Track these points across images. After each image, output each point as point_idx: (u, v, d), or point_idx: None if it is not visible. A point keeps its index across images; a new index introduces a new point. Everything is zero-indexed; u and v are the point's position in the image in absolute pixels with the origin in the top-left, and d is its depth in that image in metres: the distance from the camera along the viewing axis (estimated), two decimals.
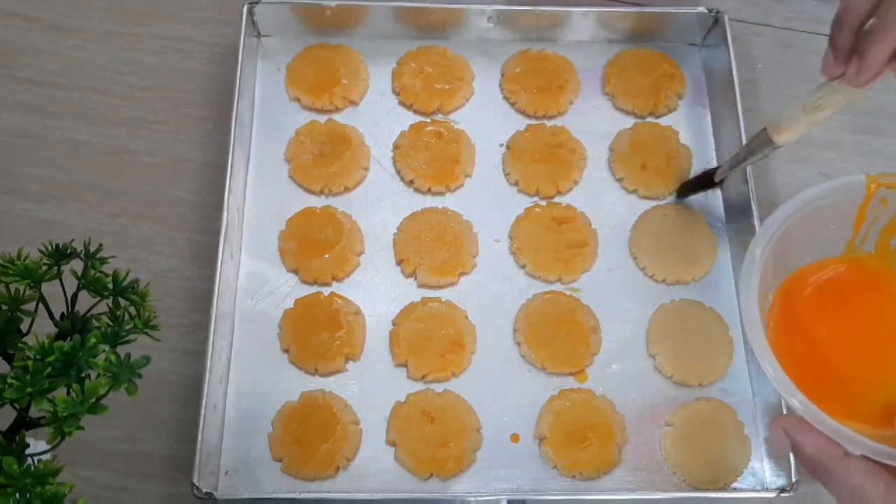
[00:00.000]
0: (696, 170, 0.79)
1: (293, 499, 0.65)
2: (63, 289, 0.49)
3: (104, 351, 0.44)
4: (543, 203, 0.77)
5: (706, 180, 0.75)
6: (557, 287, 0.74)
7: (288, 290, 0.73)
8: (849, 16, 0.55)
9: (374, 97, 0.81)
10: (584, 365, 0.71)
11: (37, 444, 0.49)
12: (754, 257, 0.53)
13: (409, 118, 0.80)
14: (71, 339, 0.44)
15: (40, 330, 0.47)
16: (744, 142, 0.74)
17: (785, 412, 0.66)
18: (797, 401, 0.47)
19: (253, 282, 0.73)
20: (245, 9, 0.79)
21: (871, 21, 0.55)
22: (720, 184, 0.75)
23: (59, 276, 0.48)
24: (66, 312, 0.49)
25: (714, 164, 0.79)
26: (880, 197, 0.56)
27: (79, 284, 0.48)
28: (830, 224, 0.58)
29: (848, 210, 0.57)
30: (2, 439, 0.44)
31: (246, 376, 0.70)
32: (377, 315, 0.72)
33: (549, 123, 0.80)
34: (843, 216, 0.57)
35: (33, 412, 0.44)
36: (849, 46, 0.56)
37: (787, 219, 0.55)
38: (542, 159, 0.78)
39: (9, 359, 0.47)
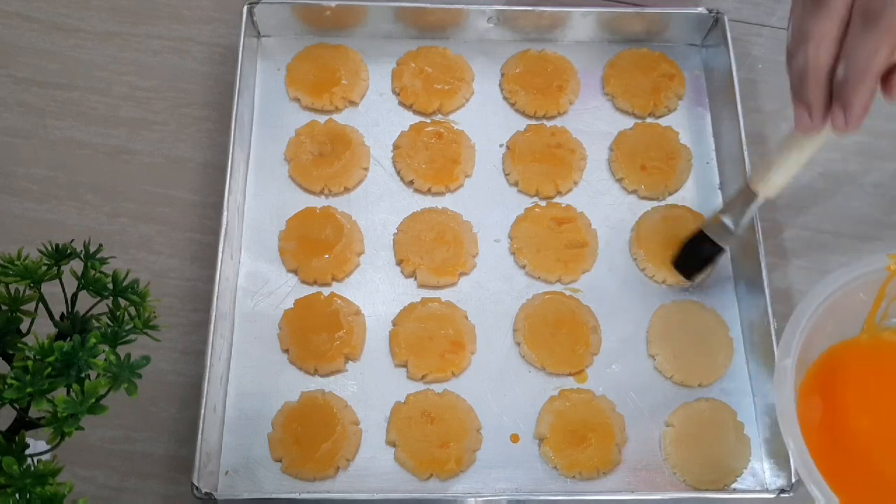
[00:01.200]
0: (695, 171, 0.79)
1: (293, 499, 0.64)
2: (63, 289, 0.48)
3: (104, 351, 0.44)
4: (543, 203, 0.77)
5: (707, 248, 0.69)
6: (557, 287, 0.74)
7: (288, 290, 0.73)
8: (813, 71, 0.52)
9: (374, 97, 0.81)
10: (583, 365, 0.71)
11: (37, 444, 0.49)
12: (785, 367, 0.50)
13: (409, 118, 0.80)
14: (71, 339, 0.44)
15: (40, 330, 0.47)
16: (744, 144, 0.74)
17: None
18: None
19: (253, 282, 0.73)
20: (245, 9, 0.79)
21: (840, 68, 0.52)
22: (722, 250, 0.69)
23: (58, 276, 0.48)
24: (65, 312, 0.48)
25: (713, 164, 0.79)
26: None
27: (79, 284, 0.48)
28: (848, 309, 0.56)
29: (866, 292, 0.55)
30: (2, 439, 0.44)
31: (246, 376, 0.70)
32: (377, 315, 0.72)
33: (548, 124, 0.80)
34: (861, 299, 0.56)
35: (33, 412, 0.44)
36: (824, 101, 0.53)
37: (810, 318, 0.52)
38: (541, 159, 0.78)
39: (9, 359, 0.47)
